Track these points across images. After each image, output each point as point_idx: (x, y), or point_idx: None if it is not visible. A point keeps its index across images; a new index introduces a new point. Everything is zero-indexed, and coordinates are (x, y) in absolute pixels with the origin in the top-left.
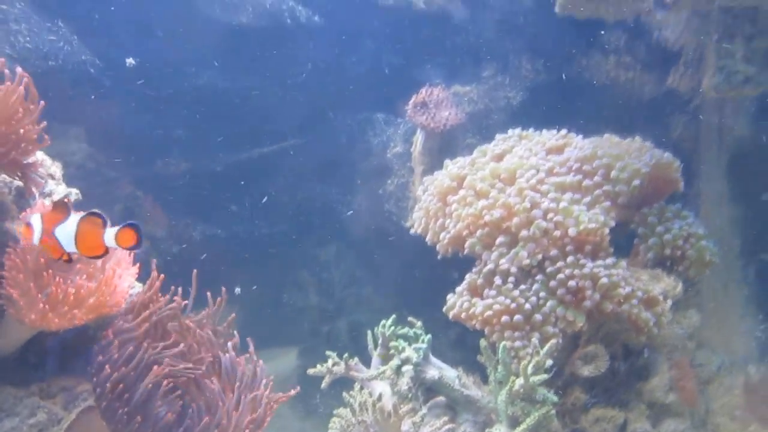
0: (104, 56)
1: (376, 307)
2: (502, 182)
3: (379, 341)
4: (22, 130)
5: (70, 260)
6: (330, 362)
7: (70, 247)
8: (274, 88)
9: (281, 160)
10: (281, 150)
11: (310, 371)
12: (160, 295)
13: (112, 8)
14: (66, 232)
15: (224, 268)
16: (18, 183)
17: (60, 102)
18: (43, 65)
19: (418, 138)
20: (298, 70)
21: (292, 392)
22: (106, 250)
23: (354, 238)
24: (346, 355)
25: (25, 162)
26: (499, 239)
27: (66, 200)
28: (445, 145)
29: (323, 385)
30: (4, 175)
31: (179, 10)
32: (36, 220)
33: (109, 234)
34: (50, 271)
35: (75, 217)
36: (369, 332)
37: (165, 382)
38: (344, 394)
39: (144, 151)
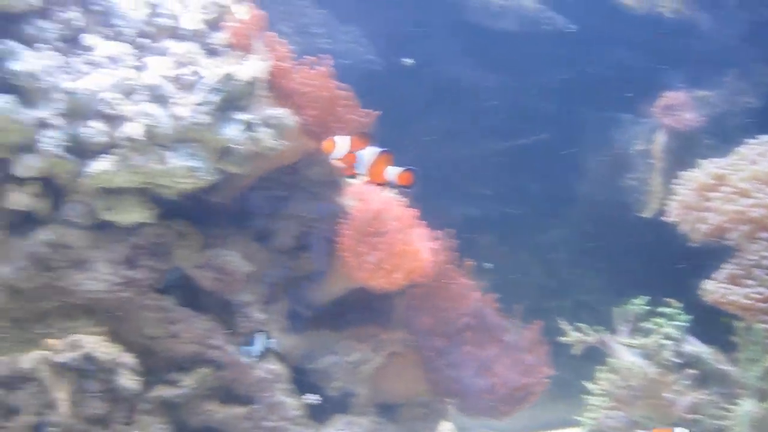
0: (386, 56)
1: (599, 290)
2: (762, 183)
3: (628, 317)
4: (348, 115)
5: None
6: (582, 332)
7: (360, 169)
8: (530, 88)
9: (531, 151)
10: (532, 142)
11: (563, 339)
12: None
13: (395, 15)
14: (364, 157)
15: (475, 244)
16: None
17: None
18: (338, 63)
19: (660, 137)
20: (553, 71)
21: None
22: (385, 183)
23: (586, 225)
24: (600, 327)
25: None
26: (762, 235)
27: (369, 134)
28: (685, 145)
29: (574, 351)
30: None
31: (450, 18)
32: (344, 140)
33: (393, 170)
34: (376, 237)
35: (375, 148)
36: (615, 309)
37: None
38: (609, 360)
39: (414, 139)
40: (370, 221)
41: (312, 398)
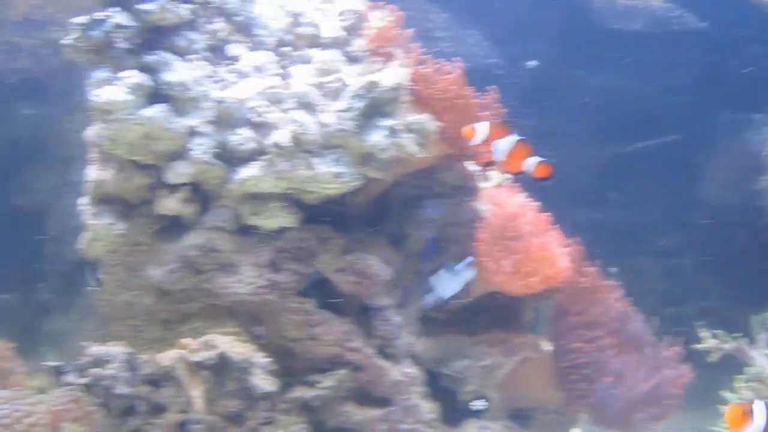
0: (508, 59)
1: (724, 296)
2: None
3: (767, 325)
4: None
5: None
6: (719, 339)
7: (498, 157)
8: (658, 89)
9: (659, 153)
10: (660, 144)
11: (699, 346)
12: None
13: (518, 17)
14: (502, 145)
15: (599, 248)
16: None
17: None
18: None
19: None
20: (682, 72)
21: None
22: (521, 172)
23: (718, 229)
24: (738, 334)
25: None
26: None
27: (508, 124)
28: None
29: (710, 359)
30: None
31: (575, 19)
32: (483, 127)
33: (530, 161)
34: (509, 242)
35: (514, 138)
36: (754, 317)
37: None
38: (747, 369)
39: (539, 142)
40: (505, 225)
41: (479, 404)
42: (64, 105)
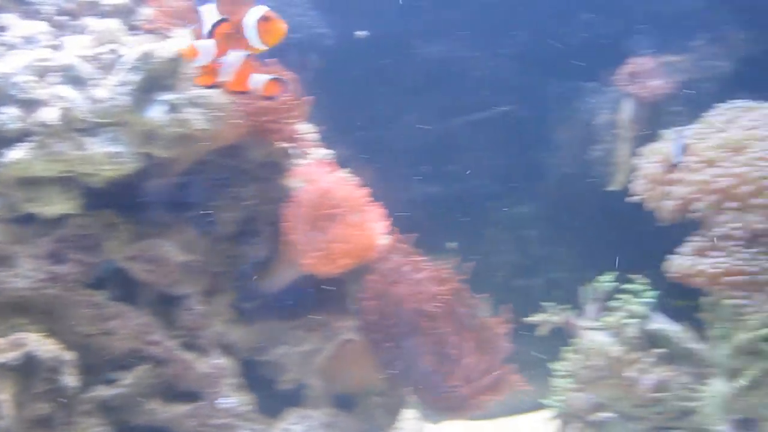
0: (338, 29)
1: (571, 267)
2: (730, 152)
3: (597, 295)
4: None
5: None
6: (548, 312)
7: (223, 76)
8: (487, 58)
9: (493, 124)
10: (493, 115)
11: (528, 319)
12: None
13: None
14: (228, 62)
15: (438, 223)
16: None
17: (300, 71)
18: (288, 38)
19: (626, 106)
20: (512, 40)
21: None
22: (247, 90)
23: (555, 200)
24: (567, 306)
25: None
26: (729, 205)
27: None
28: (653, 114)
29: (539, 332)
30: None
31: None
32: (207, 45)
33: (258, 78)
34: (322, 221)
35: (240, 53)
36: (584, 287)
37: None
38: (573, 340)
39: (366, 116)
40: (316, 203)
41: (226, 402)
42: None
